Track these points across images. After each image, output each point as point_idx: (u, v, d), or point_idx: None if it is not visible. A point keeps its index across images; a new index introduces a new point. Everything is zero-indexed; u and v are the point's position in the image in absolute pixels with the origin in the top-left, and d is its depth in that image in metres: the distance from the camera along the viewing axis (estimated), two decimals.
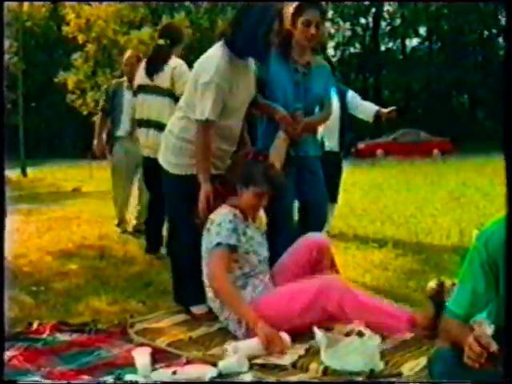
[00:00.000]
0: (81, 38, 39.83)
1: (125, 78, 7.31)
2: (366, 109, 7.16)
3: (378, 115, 6.99)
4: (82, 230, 8.13)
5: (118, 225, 7.47)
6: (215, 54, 3.95)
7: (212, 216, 3.83)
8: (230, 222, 3.73)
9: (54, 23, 50.29)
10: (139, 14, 40.04)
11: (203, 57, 4.05)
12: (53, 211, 10.55)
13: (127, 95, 7.15)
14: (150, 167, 6.04)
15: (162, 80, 5.85)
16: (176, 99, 5.77)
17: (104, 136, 7.45)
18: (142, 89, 6.01)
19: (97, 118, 7.74)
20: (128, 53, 7.70)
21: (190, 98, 4.06)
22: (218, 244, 3.69)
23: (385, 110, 6.97)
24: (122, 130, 7.22)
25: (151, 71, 5.92)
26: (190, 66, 4.58)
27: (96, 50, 39.39)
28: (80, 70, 39.95)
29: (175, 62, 5.90)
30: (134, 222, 7.36)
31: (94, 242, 7.14)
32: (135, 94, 6.18)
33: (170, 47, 5.97)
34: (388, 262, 5.63)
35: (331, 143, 7.04)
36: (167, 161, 4.17)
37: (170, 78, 5.82)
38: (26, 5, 41.38)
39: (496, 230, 2.72)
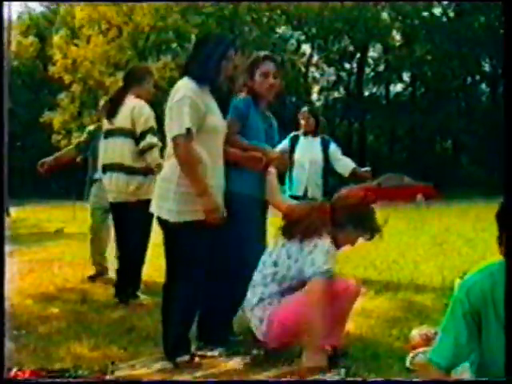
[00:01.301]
0: (67, 79, 40.06)
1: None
2: (344, 164, 7.51)
3: (354, 172, 7.41)
4: (64, 272, 8.09)
5: (93, 277, 7.38)
6: (183, 83, 4.11)
7: (317, 241, 3.94)
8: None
9: (41, 63, 50.51)
10: (125, 56, 40.36)
11: (173, 89, 4.13)
12: (35, 253, 10.49)
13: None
14: (116, 213, 6.15)
15: (122, 121, 5.89)
16: (137, 140, 5.87)
17: (87, 180, 7.46)
18: (106, 133, 6.07)
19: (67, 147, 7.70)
20: (104, 99, 7.80)
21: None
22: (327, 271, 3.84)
23: (361, 170, 7.48)
24: (98, 174, 7.15)
25: (110, 114, 5.99)
26: None
27: (82, 91, 39.57)
28: (66, 110, 40.08)
29: (133, 102, 5.94)
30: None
31: (76, 285, 7.11)
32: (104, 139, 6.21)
33: (125, 88, 6.06)
34: (370, 310, 5.61)
35: (314, 191, 7.30)
36: (167, 209, 4.04)
37: (131, 119, 5.86)
38: (13, 44, 41.55)
39: (478, 280, 2.75)
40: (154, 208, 4.18)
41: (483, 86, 48.32)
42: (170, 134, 4.00)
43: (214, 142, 4.11)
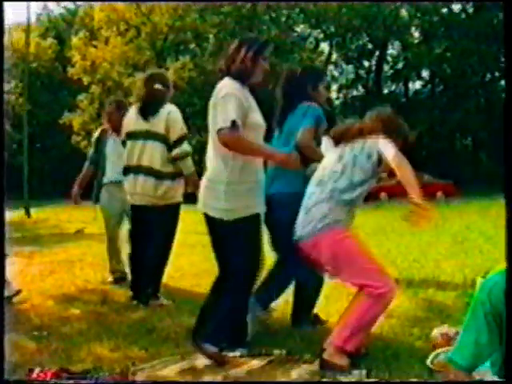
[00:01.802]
0: (86, 80, 40.26)
1: (108, 126, 7.36)
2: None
3: None
4: (85, 273, 8.13)
5: (113, 273, 7.42)
6: (225, 82, 4.23)
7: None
8: None
9: (60, 64, 50.81)
10: (144, 57, 40.48)
11: (215, 90, 4.23)
12: (56, 254, 10.55)
13: (110, 142, 7.24)
14: (137, 215, 6.12)
15: (157, 125, 5.88)
16: (168, 145, 5.86)
17: (95, 184, 7.44)
18: (133, 135, 6.01)
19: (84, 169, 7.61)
20: (109, 100, 7.78)
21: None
22: None
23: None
24: (106, 178, 7.24)
25: (147, 114, 5.94)
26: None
27: (101, 92, 39.73)
28: (85, 111, 40.26)
29: (170, 107, 5.97)
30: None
31: (97, 287, 7.14)
32: (124, 141, 6.16)
33: (165, 93, 6.04)
34: (391, 309, 5.57)
35: None
36: (220, 209, 4.19)
37: (165, 124, 5.86)
38: (32, 46, 41.85)
39: (499, 281, 2.73)
40: (203, 208, 4.32)
41: (502, 82, 47.96)
42: (214, 128, 4.11)
43: (255, 139, 4.21)
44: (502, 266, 2.81)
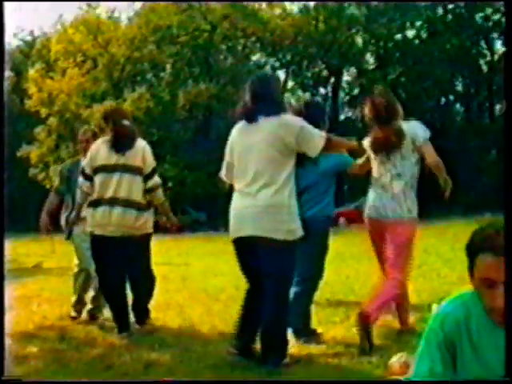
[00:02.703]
0: (43, 112, 39.98)
1: (81, 156, 7.26)
2: None
3: None
4: (43, 309, 8.02)
5: (75, 305, 7.29)
6: (287, 117, 4.85)
7: None
8: None
9: (17, 97, 50.43)
10: (101, 88, 40.38)
11: (284, 124, 4.74)
12: (13, 289, 10.39)
13: None
14: (108, 247, 6.08)
15: (134, 158, 6.06)
16: (144, 177, 6.07)
17: (63, 218, 7.29)
18: (106, 168, 6.06)
19: (50, 196, 7.52)
20: (83, 129, 7.72)
21: (279, 165, 4.69)
22: None
23: None
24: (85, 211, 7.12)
25: (121, 149, 6.06)
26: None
27: (59, 124, 39.52)
28: (43, 143, 39.96)
29: (142, 142, 6.25)
30: (89, 305, 7.22)
31: (55, 323, 7.05)
32: (95, 172, 6.14)
33: (134, 128, 6.37)
34: (350, 337, 5.60)
35: None
36: (287, 230, 4.67)
37: (142, 157, 6.09)
38: None
39: (451, 311, 2.75)
40: (263, 233, 4.65)
41: (457, 105, 48.75)
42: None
43: None
44: (459, 289, 2.85)
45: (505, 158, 2.79)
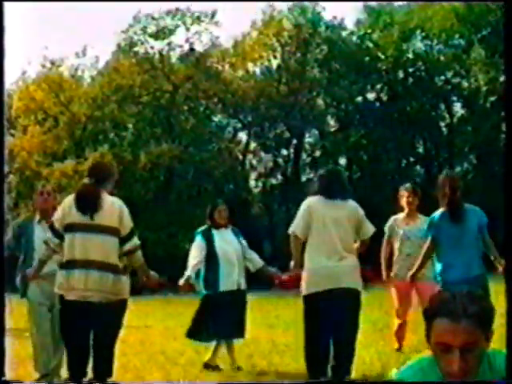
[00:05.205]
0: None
1: (36, 214, 7.07)
2: (253, 260, 8.31)
3: (261, 270, 8.35)
4: None
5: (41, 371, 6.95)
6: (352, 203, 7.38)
7: None
8: None
9: None
10: (62, 146, 40.24)
11: (342, 208, 7.27)
12: None
13: (38, 231, 6.84)
14: (80, 312, 5.76)
15: (106, 218, 5.73)
16: (121, 239, 5.77)
17: (20, 276, 7.03)
18: (74, 227, 5.77)
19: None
20: (40, 187, 7.58)
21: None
22: None
23: (269, 269, 8.56)
24: (45, 269, 6.86)
25: (88, 209, 5.75)
26: None
27: (18, 182, 39.21)
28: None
29: (116, 201, 5.87)
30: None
31: None
32: (65, 230, 5.82)
33: (97, 185, 5.89)
34: None
35: (241, 279, 7.92)
36: (359, 283, 7.02)
37: (118, 218, 5.74)
38: None
39: (407, 377, 2.74)
40: (354, 285, 6.90)
41: (418, 167, 49.29)
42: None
43: None
44: (419, 354, 2.83)
45: (505, 157, 2.84)
